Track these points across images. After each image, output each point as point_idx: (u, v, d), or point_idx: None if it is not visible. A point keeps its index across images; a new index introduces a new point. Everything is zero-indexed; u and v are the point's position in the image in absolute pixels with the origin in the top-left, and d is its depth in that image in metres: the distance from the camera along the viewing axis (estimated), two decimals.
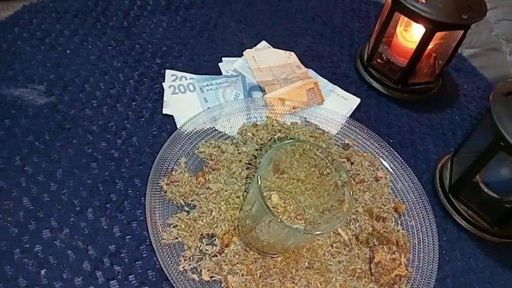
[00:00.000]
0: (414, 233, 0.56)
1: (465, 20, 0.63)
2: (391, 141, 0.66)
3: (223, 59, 0.70)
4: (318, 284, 0.49)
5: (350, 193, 0.46)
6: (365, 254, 0.53)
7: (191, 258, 0.49)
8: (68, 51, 0.65)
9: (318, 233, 0.46)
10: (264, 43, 0.74)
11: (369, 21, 0.83)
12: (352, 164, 0.60)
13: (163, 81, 0.65)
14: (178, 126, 0.60)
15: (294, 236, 0.45)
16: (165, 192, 0.53)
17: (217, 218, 0.52)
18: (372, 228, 0.55)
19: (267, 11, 0.81)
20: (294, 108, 0.65)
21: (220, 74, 0.68)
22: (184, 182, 0.54)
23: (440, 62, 0.73)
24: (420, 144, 0.68)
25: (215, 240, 0.50)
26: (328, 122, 0.64)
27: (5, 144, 0.54)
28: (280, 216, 0.52)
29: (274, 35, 0.76)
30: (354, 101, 0.70)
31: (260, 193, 0.42)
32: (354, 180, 0.59)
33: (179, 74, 0.66)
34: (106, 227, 0.50)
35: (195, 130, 0.59)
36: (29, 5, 0.70)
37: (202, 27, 0.75)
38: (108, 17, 0.72)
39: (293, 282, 0.49)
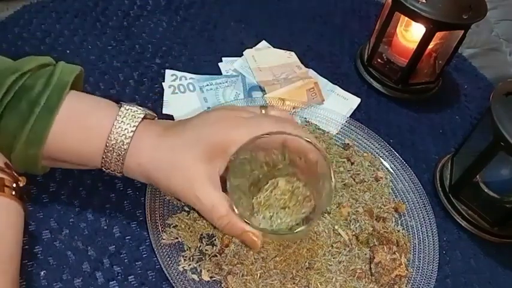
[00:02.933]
0: (414, 233, 0.56)
1: (465, 20, 0.63)
2: (391, 141, 0.66)
3: (223, 59, 0.70)
4: (318, 284, 0.49)
5: (329, 171, 0.44)
6: (365, 254, 0.53)
7: (191, 258, 0.49)
8: (68, 51, 0.65)
9: (298, 230, 0.45)
10: (264, 43, 0.74)
11: (369, 21, 0.83)
12: (352, 164, 0.60)
13: (163, 81, 0.65)
14: None
15: (280, 237, 0.45)
16: None
17: None
18: (372, 229, 0.55)
19: (267, 11, 0.81)
20: (294, 108, 0.65)
21: (220, 74, 0.68)
22: None
23: (440, 62, 0.73)
24: (420, 144, 0.68)
25: (215, 240, 0.50)
26: (328, 122, 0.64)
27: None
28: (287, 203, 0.49)
29: (274, 35, 0.76)
30: (354, 101, 0.70)
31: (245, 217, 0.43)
32: (354, 180, 0.59)
33: (179, 74, 0.66)
34: (106, 227, 0.50)
35: None
36: (29, 5, 0.70)
37: (202, 27, 0.75)
38: (108, 17, 0.72)
39: (293, 283, 0.49)
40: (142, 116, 0.42)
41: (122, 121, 0.41)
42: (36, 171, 0.42)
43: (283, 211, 0.47)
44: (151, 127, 0.43)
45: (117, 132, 0.40)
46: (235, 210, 0.42)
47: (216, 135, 0.42)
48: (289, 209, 0.47)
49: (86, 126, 0.41)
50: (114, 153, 0.40)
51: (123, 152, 0.40)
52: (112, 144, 0.40)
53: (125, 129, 0.40)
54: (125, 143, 0.40)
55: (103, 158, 0.41)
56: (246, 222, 0.43)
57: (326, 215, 0.54)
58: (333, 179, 0.44)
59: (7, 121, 0.38)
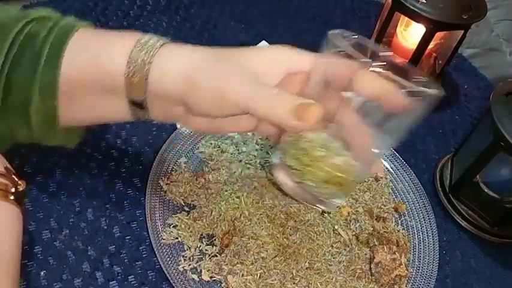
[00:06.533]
0: (414, 233, 0.56)
1: (465, 20, 0.63)
2: None
3: None
4: (318, 284, 0.49)
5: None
6: (365, 254, 0.53)
7: (191, 258, 0.49)
8: None
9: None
10: (264, 43, 0.74)
11: (369, 21, 0.83)
12: None
13: None
14: (178, 126, 0.60)
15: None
16: (165, 192, 0.53)
17: (217, 218, 0.52)
18: (372, 229, 0.55)
19: (267, 11, 0.81)
20: None
21: None
22: (184, 182, 0.54)
23: (440, 62, 0.73)
24: (420, 144, 0.68)
25: (215, 240, 0.50)
26: None
27: None
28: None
29: (275, 35, 0.76)
30: None
31: None
32: None
33: None
34: (106, 227, 0.50)
35: None
36: (29, 5, 0.70)
37: (202, 27, 0.75)
38: (108, 17, 0.72)
39: (293, 283, 0.49)
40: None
41: (149, 36, 0.37)
42: (55, 132, 0.39)
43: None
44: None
45: (148, 37, 0.37)
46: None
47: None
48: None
49: (108, 38, 0.37)
50: (145, 50, 0.36)
51: (154, 49, 0.36)
52: (142, 42, 0.36)
53: (155, 38, 0.37)
54: (156, 41, 0.37)
55: (131, 53, 0.36)
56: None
57: (326, 214, 0.54)
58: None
59: (16, 75, 0.36)
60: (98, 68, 0.37)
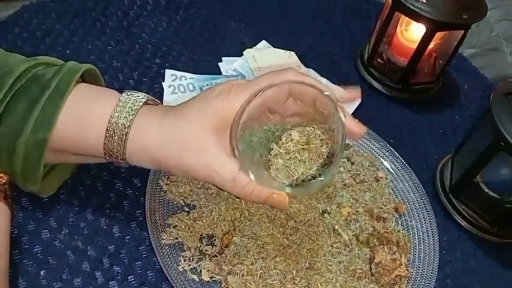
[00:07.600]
0: (415, 233, 0.56)
1: (465, 20, 0.63)
2: (391, 141, 0.65)
3: (223, 58, 0.70)
4: (318, 284, 0.49)
5: (334, 106, 0.41)
6: (365, 254, 0.53)
7: (191, 258, 0.49)
8: (68, 51, 0.65)
9: (323, 178, 0.42)
10: (264, 43, 0.74)
11: (369, 21, 0.83)
12: (352, 164, 0.60)
13: (163, 81, 0.65)
14: None
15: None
16: (165, 192, 0.53)
17: (217, 218, 0.52)
18: (372, 229, 0.55)
19: (268, 11, 0.81)
20: None
21: (220, 74, 0.68)
22: (184, 182, 0.54)
23: (440, 61, 0.73)
24: (420, 144, 0.68)
25: (215, 240, 0.50)
26: None
27: None
28: (304, 156, 0.45)
29: (275, 35, 0.76)
30: (354, 101, 0.70)
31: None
32: (354, 180, 0.59)
33: (179, 73, 0.66)
34: (105, 227, 0.50)
35: None
36: (29, 5, 0.70)
37: (202, 27, 0.75)
38: (108, 17, 0.72)
39: (293, 283, 0.49)
40: (143, 100, 0.42)
41: (122, 105, 0.41)
42: (38, 175, 0.41)
43: (302, 164, 0.44)
44: (153, 110, 0.42)
45: (117, 116, 0.40)
46: (251, 176, 0.40)
47: (219, 106, 0.41)
48: (306, 163, 0.44)
49: (89, 113, 0.41)
50: (116, 137, 0.40)
51: (124, 136, 0.40)
52: (113, 128, 0.40)
53: (126, 112, 0.40)
54: (126, 126, 0.40)
55: (104, 143, 0.40)
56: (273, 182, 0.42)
57: (326, 215, 0.54)
58: (342, 114, 0.41)
59: (17, 104, 0.38)
60: (79, 140, 0.41)
